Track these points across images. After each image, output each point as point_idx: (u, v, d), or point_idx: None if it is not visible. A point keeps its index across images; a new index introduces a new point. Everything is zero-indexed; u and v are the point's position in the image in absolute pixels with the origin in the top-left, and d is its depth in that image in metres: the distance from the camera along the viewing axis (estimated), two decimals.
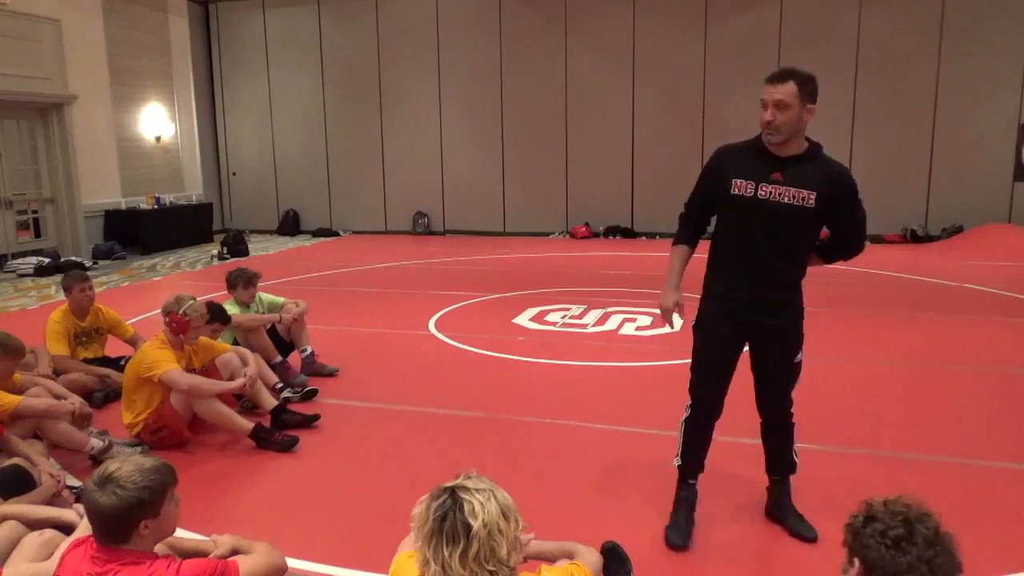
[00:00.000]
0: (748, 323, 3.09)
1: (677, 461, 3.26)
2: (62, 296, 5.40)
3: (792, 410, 3.30)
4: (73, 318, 5.21)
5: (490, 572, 1.74)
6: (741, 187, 2.93)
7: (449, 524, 1.74)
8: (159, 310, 4.42)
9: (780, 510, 3.24)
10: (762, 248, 2.95)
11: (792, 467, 3.29)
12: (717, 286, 3.15)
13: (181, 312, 4.22)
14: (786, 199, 2.86)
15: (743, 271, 3.03)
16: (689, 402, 3.24)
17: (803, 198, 2.85)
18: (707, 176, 3.12)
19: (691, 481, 3.25)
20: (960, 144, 12.34)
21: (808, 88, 2.84)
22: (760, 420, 3.31)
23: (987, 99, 12.16)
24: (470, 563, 1.72)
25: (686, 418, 3.24)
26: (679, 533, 3.09)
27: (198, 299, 4.36)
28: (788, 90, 2.82)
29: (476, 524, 1.72)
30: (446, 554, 1.73)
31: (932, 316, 7.24)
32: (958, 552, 1.69)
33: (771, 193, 2.88)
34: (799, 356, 3.14)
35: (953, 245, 11.71)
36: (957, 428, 4.35)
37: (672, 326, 3.35)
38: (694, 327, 3.23)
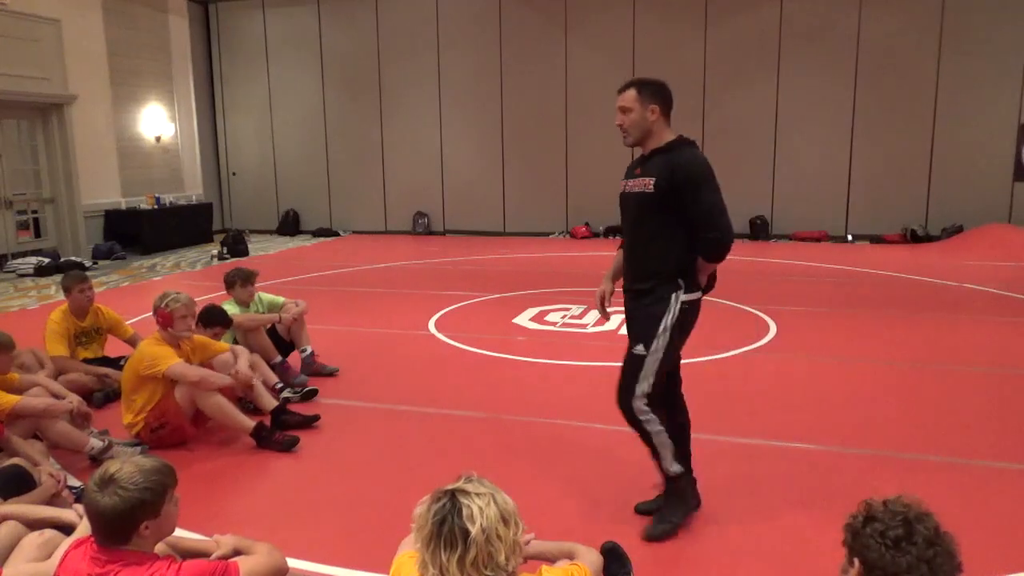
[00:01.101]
0: (627, 315, 3.25)
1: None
2: (62, 296, 5.40)
3: (641, 418, 3.14)
4: (73, 318, 5.21)
5: None
6: (621, 186, 3.21)
7: (447, 528, 1.73)
8: None
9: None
10: (629, 239, 3.24)
11: (666, 471, 3.20)
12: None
13: (163, 305, 4.22)
14: (636, 189, 3.11)
15: (625, 264, 3.29)
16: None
17: (645, 185, 3.06)
18: None
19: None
20: (960, 144, 12.34)
21: (647, 91, 3.10)
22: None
23: (987, 99, 12.16)
24: (467, 568, 1.71)
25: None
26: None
27: (183, 294, 4.35)
28: (628, 96, 3.11)
29: (474, 529, 1.71)
30: (444, 558, 1.72)
31: (932, 316, 7.24)
32: (958, 552, 1.69)
33: (629, 186, 3.16)
34: (638, 348, 3.10)
35: (953, 245, 11.71)
36: (957, 428, 4.35)
37: (602, 314, 3.47)
38: None
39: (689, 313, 3.12)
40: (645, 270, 3.12)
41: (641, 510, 3.34)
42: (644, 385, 3.10)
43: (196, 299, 4.50)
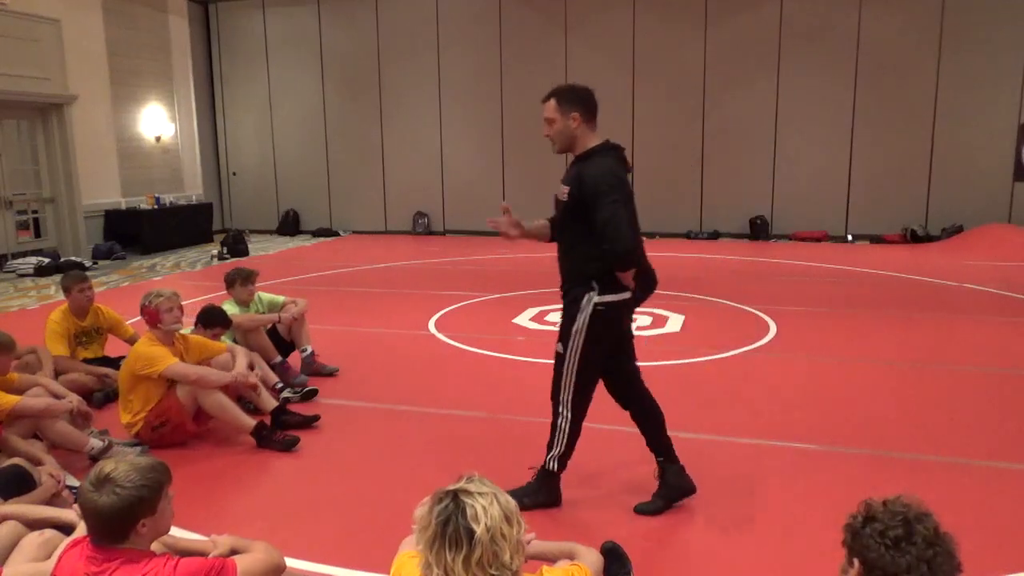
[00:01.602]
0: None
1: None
2: (62, 296, 5.40)
3: (564, 412, 3.30)
4: (73, 318, 5.20)
5: None
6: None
7: (452, 529, 1.72)
8: None
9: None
10: (557, 244, 3.32)
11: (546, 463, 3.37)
12: None
13: (147, 303, 4.22)
14: (560, 196, 3.21)
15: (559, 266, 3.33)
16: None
17: (563, 193, 3.18)
18: None
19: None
20: (960, 144, 12.34)
21: (566, 100, 3.17)
22: None
23: (987, 99, 12.16)
24: (473, 568, 1.71)
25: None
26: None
27: (166, 289, 4.35)
28: (549, 106, 3.21)
29: (479, 529, 1.71)
30: (449, 559, 1.72)
31: (932, 316, 7.24)
32: (957, 552, 1.69)
33: (559, 193, 3.23)
34: (559, 346, 3.26)
35: (953, 245, 11.71)
36: (957, 428, 4.35)
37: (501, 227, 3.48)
38: None
39: (609, 315, 3.18)
40: (567, 274, 3.25)
41: (640, 510, 3.34)
42: (568, 382, 3.25)
43: (196, 299, 4.50)
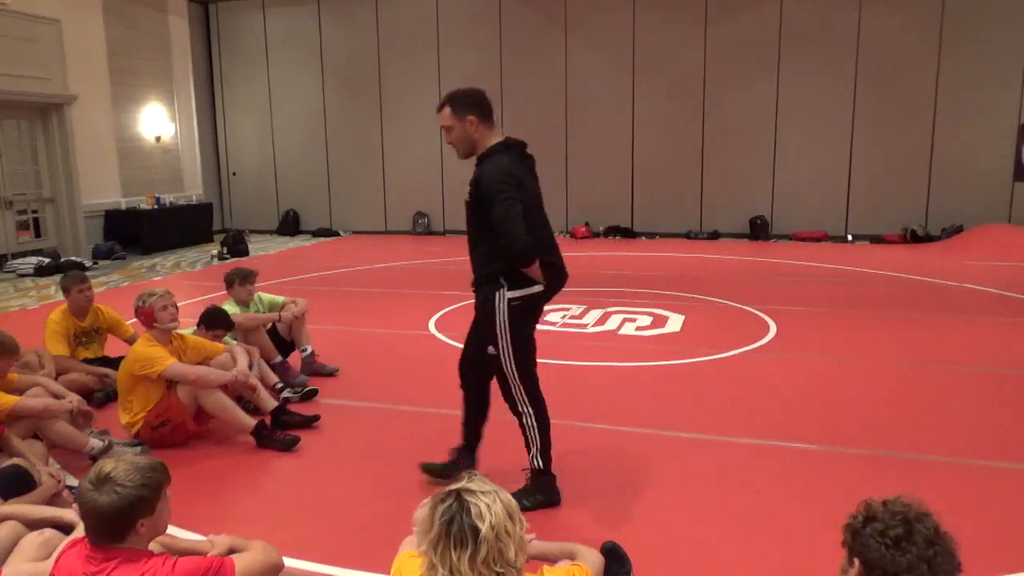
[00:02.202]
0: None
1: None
2: (62, 296, 5.39)
3: (525, 409, 3.38)
4: (73, 318, 5.20)
5: (498, 574, 1.72)
6: None
7: (456, 528, 1.72)
8: None
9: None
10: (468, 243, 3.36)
11: (532, 463, 3.42)
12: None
13: (140, 303, 4.22)
14: (467, 197, 3.28)
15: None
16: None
17: (467, 193, 3.25)
18: None
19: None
20: (960, 144, 12.34)
21: (459, 105, 3.25)
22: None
23: (987, 99, 12.16)
24: (479, 566, 1.70)
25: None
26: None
27: (159, 288, 4.36)
28: (445, 114, 3.28)
29: (484, 527, 1.71)
30: (454, 558, 1.71)
31: (932, 316, 7.24)
32: (957, 552, 1.69)
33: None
34: (490, 349, 3.33)
35: (953, 245, 11.71)
36: (957, 428, 4.35)
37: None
38: None
39: (525, 306, 3.26)
40: (476, 272, 3.32)
41: (427, 468, 3.63)
42: (515, 381, 3.32)
43: (196, 299, 4.50)
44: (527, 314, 3.30)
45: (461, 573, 1.71)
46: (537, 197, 3.36)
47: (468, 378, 3.61)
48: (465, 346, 3.62)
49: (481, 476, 1.85)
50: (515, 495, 3.12)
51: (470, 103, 3.25)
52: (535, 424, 3.38)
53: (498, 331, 3.25)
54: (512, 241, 3.07)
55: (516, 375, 3.32)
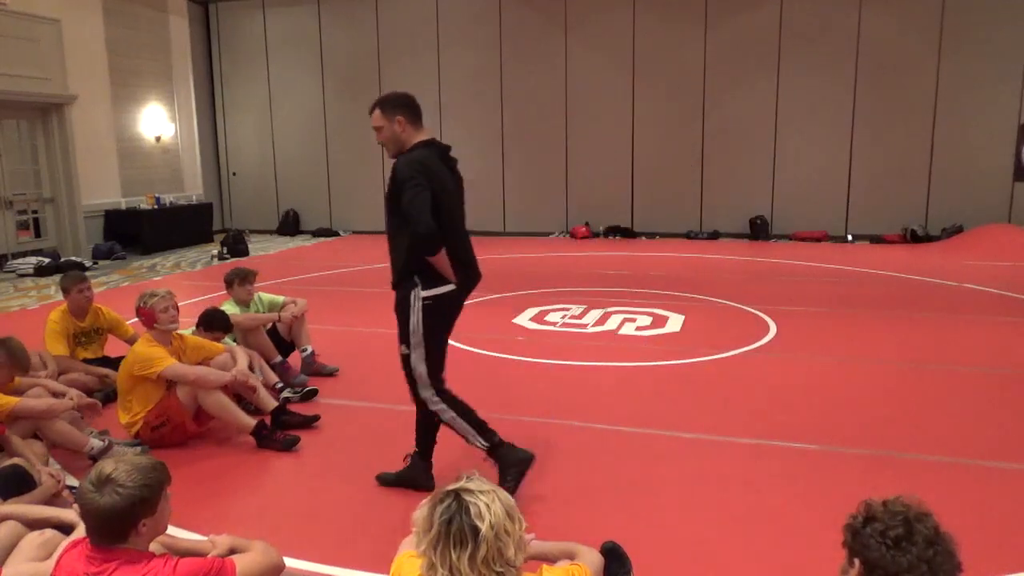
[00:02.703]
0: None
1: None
2: (62, 296, 5.39)
3: (434, 409, 3.46)
4: (72, 318, 5.20)
5: (498, 573, 1.73)
6: None
7: (456, 527, 1.73)
8: None
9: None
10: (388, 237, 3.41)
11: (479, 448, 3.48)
12: None
13: (142, 304, 4.22)
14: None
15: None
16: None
17: (387, 187, 3.39)
18: None
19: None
20: (960, 144, 12.34)
21: (388, 107, 3.38)
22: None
23: (987, 99, 12.16)
24: (479, 566, 1.71)
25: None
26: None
27: (160, 289, 4.36)
28: (376, 116, 3.40)
29: (483, 526, 1.71)
30: (454, 557, 1.71)
31: (932, 316, 7.23)
32: (957, 552, 1.69)
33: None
34: (402, 347, 3.42)
35: (953, 245, 11.71)
36: (957, 428, 4.35)
37: None
38: None
39: (439, 307, 3.35)
40: (393, 267, 3.46)
41: (383, 480, 3.62)
42: (423, 379, 3.40)
43: (196, 299, 4.50)
44: (441, 315, 3.39)
45: (461, 572, 1.71)
46: (455, 196, 3.46)
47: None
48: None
49: (479, 476, 1.85)
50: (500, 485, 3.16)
51: (399, 104, 3.38)
52: (455, 415, 3.45)
53: (411, 330, 3.35)
54: (418, 226, 3.18)
55: (425, 376, 3.40)
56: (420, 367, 3.39)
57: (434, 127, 14.51)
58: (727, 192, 13.38)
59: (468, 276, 3.47)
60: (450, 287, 3.35)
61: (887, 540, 1.66)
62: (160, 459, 2.24)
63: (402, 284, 3.38)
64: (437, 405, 3.44)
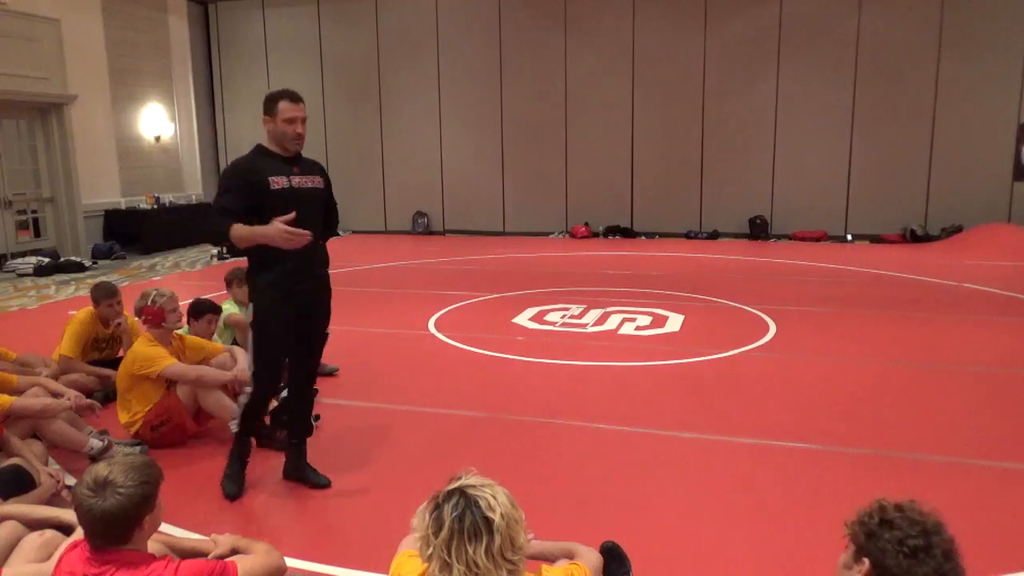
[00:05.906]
0: (305, 302, 3.72)
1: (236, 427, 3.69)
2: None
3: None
4: (99, 324, 5.19)
5: (511, 562, 1.75)
6: (283, 183, 3.51)
7: (470, 522, 1.73)
8: None
9: (299, 470, 3.75)
10: (313, 232, 3.51)
11: (311, 430, 3.87)
12: (274, 277, 3.58)
13: (149, 302, 4.21)
14: (308, 185, 3.63)
15: (303, 254, 3.52)
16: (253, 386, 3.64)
17: (315, 183, 3.67)
18: (242, 182, 3.48)
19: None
20: (960, 144, 12.35)
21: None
22: (291, 389, 3.85)
23: (987, 99, 12.16)
24: (495, 556, 1.73)
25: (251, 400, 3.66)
26: (238, 483, 3.64)
27: (163, 288, 4.36)
28: (303, 107, 3.57)
29: (496, 516, 1.73)
30: (471, 552, 1.72)
31: (932, 316, 7.23)
32: (962, 562, 1.70)
33: (298, 183, 3.57)
34: (329, 330, 3.94)
35: (953, 245, 11.71)
36: (957, 428, 4.35)
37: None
38: (256, 323, 3.58)
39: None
40: (324, 258, 3.83)
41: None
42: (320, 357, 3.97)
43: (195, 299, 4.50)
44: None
45: (479, 565, 1.72)
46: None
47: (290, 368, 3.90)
48: (287, 353, 3.83)
49: (474, 472, 1.86)
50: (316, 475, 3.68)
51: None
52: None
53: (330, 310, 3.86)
54: (338, 223, 4.04)
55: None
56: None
57: (434, 127, 14.60)
58: (727, 192, 13.38)
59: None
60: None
61: (905, 549, 1.65)
62: (158, 459, 2.24)
63: (327, 268, 3.85)
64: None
